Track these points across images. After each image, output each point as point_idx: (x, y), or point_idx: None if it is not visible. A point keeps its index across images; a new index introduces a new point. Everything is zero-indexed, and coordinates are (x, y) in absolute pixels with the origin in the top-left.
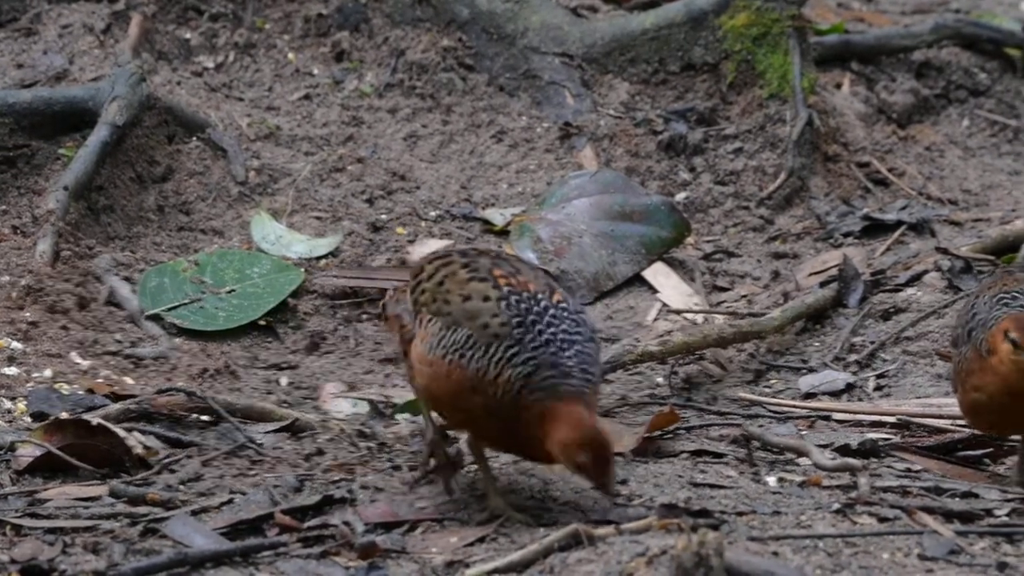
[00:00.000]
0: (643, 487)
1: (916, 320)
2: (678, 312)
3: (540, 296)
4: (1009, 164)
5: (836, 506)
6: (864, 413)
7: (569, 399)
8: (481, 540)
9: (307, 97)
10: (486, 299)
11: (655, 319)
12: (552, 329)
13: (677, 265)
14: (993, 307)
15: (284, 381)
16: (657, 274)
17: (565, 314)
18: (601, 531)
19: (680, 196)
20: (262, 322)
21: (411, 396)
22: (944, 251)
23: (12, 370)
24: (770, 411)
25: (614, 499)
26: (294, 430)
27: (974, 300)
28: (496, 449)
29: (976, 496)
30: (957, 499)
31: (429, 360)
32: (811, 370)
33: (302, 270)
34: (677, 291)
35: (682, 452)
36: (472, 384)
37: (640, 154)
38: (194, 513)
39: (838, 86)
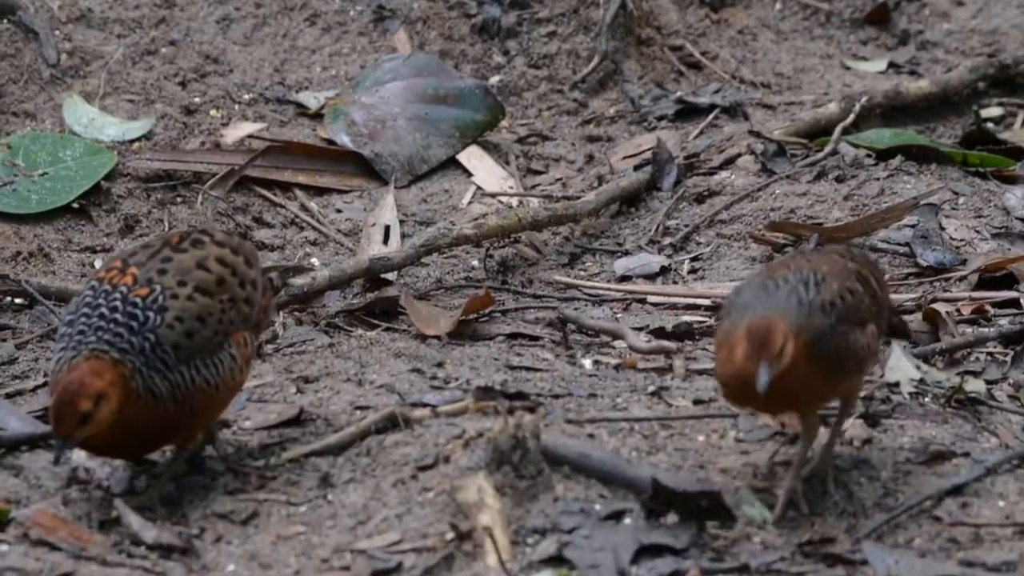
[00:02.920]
0: (459, 370)
1: (730, 203)
2: (493, 195)
3: (119, 290)
4: (821, 48)
5: (651, 388)
6: (679, 296)
7: (84, 358)
8: (296, 422)
9: None
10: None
11: (470, 202)
12: (93, 320)
13: (491, 148)
14: (756, 286)
15: (98, 264)
16: (471, 157)
17: (127, 307)
18: (417, 413)
19: (494, 79)
20: (75, 205)
21: None
22: (757, 134)
23: None
24: (585, 294)
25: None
26: None
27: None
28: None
29: None
30: None
31: None
32: (626, 253)
33: (115, 153)
34: (492, 174)
35: (498, 335)
36: None
37: (454, 37)
38: (8, 396)
39: None
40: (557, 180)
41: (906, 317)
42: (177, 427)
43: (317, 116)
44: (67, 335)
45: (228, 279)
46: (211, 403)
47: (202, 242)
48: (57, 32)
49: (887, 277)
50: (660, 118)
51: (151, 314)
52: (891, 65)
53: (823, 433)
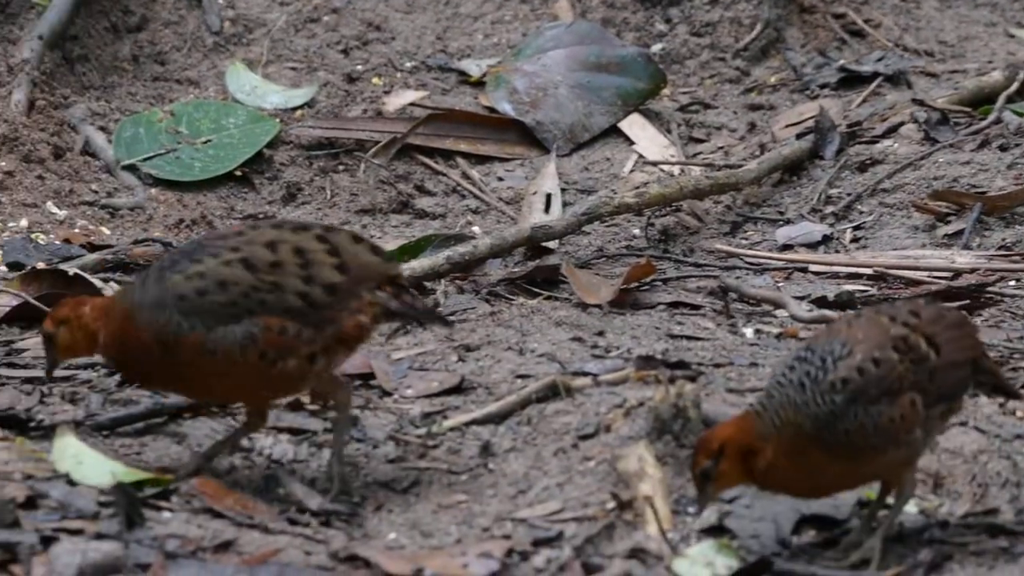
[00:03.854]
0: (620, 339)
1: (892, 172)
2: (654, 164)
3: None
4: (985, 15)
5: None
6: (841, 265)
7: None
8: (458, 391)
9: None
10: None
11: (631, 171)
12: None
13: (653, 117)
14: (787, 363)
15: None
16: (633, 125)
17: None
18: (579, 382)
19: (656, 47)
20: (238, 173)
21: (392, 245)
22: (920, 103)
23: None
24: (747, 263)
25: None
26: None
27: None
28: None
29: None
30: None
31: None
32: (788, 222)
33: (277, 121)
34: (653, 143)
35: (659, 304)
36: None
37: (616, 5)
38: None
39: None
40: (719, 148)
41: None
42: (158, 370)
43: (479, 84)
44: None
45: (289, 266)
46: (205, 367)
47: (307, 228)
48: (220, 0)
49: None
50: (822, 86)
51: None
52: None
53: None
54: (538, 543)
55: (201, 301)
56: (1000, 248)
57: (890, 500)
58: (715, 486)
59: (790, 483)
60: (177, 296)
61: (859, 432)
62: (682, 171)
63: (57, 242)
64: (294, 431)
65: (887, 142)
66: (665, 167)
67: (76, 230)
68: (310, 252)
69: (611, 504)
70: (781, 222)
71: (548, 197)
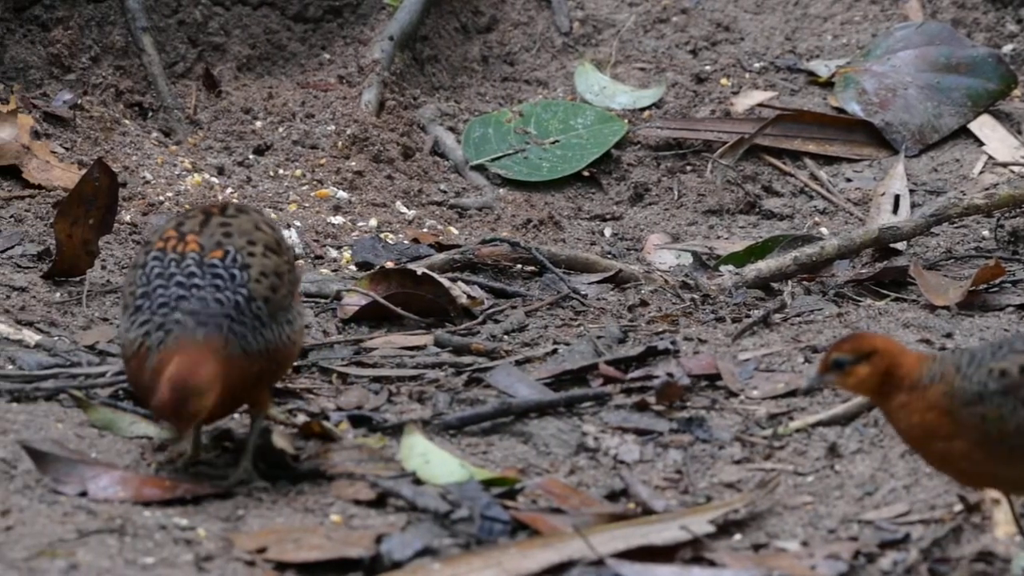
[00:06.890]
0: (968, 341)
1: None
2: (1004, 165)
3: (189, 256)
4: None
5: None
6: None
7: (175, 348)
8: (804, 392)
9: None
10: (134, 267)
11: (981, 172)
12: (172, 289)
13: (1003, 118)
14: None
15: (608, 232)
16: (983, 127)
17: (207, 270)
18: None
19: (1007, 48)
20: (585, 173)
21: (739, 246)
22: None
23: (338, 219)
24: None
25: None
26: (618, 281)
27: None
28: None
29: None
30: None
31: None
32: None
33: (625, 121)
34: (1004, 144)
35: (1008, 306)
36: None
37: (966, 5)
38: (518, 363)
39: None
40: None
41: None
42: (260, 385)
43: (827, 84)
44: (145, 308)
45: (283, 242)
46: (288, 361)
47: (244, 210)
48: (570, 0)
49: None
50: None
51: (236, 272)
52: None
53: None
54: (885, 545)
55: (277, 297)
56: None
57: None
58: (839, 381)
59: (913, 437)
60: (264, 301)
61: (997, 422)
62: None
63: (406, 241)
64: (640, 432)
65: None
66: (1015, 168)
67: (424, 229)
68: (273, 223)
69: (958, 507)
70: None
71: (896, 198)
